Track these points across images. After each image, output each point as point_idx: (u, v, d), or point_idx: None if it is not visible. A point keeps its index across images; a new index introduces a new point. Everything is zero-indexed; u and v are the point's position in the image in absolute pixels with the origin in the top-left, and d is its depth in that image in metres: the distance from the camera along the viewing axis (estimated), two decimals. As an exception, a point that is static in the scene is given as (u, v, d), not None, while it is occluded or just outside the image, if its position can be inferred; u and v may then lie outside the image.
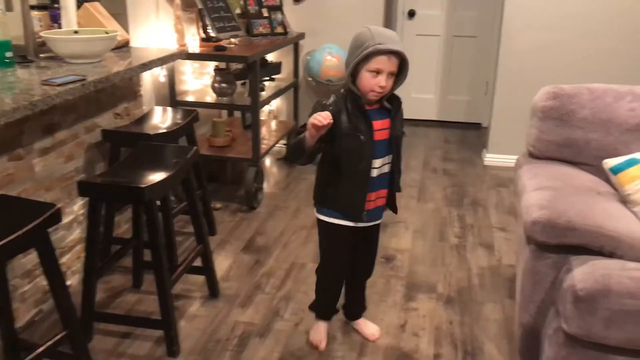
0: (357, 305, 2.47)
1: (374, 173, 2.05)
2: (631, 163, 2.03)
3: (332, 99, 1.99)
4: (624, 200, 2.04)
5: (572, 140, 2.31)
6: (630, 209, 2.01)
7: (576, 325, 1.75)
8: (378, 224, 2.25)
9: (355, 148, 1.98)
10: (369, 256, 2.33)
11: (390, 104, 2.03)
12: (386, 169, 2.09)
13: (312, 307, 2.45)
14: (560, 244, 1.89)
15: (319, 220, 2.19)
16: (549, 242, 1.90)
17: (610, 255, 1.84)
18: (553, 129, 2.32)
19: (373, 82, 1.92)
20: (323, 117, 1.82)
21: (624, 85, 2.38)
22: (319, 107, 1.96)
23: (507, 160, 4.41)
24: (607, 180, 2.15)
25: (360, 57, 1.89)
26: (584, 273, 1.76)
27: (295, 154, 2.00)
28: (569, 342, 1.83)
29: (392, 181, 2.13)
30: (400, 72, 1.96)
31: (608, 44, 4.12)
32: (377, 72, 1.90)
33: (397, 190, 2.20)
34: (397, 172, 2.14)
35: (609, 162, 2.08)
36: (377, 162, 2.04)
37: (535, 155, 2.41)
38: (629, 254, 1.82)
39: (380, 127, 2.01)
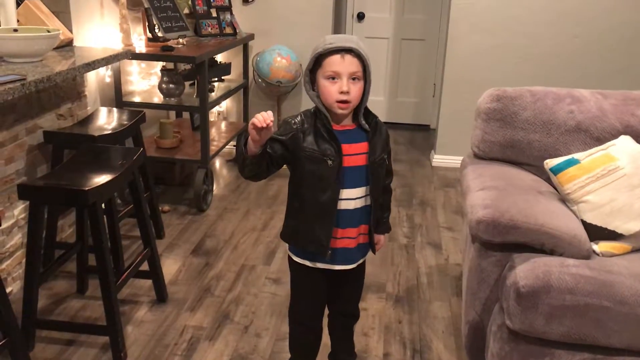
0: (343, 354, 2.14)
1: (347, 205, 1.78)
2: (570, 163, 2.10)
3: (299, 117, 1.75)
4: (564, 199, 2.11)
5: (514, 141, 2.37)
6: (570, 208, 2.08)
7: (519, 321, 1.80)
8: (360, 266, 1.94)
9: (320, 175, 1.72)
10: (347, 302, 2.03)
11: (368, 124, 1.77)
12: (363, 202, 1.81)
13: None
14: (504, 242, 1.94)
15: (288, 257, 1.93)
16: (493, 241, 1.95)
17: (551, 252, 1.90)
18: (496, 130, 2.38)
19: (333, 89, 1.67)
20: (264, 117, 1.57)
21: (563, 88, 2.46)
22: (283, 125, 1.75)
23: (454, 161, 4.50)
24: (548, 180, 2.21)
25: (311, 62, 1.70)
26: (526, 270, 1.81)
27: (238, 161, 1.72)
28: (512, 338, 1.88)
29: (369, 215, 1.83)
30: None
31: (549, 47, 4.26)
32: (334, 76, 1.67)
33: (378, 231, 1.92)
34: (376, 207, 1.84)
35: (550, 163, 2.14)
36: (349, 193, 1.76)
37: (480, 156, 2.46)
38: (568, 251, 1.88)
39: (354, 151, 1.74)
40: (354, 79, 1.68)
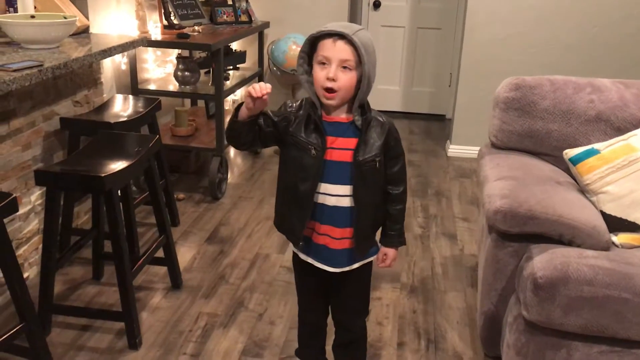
0: None
1: (324, 200, 1.70)
2: (590, 153, 2.07)
3: (299, 102, 1.70)
4: (583, 190, 2.08)
5: (533, 131, 2.34)
6: (589, 198, 2.05)
7: (536, 312, 1.79)
8: (354, 276, 1.84)
9: (302, 163, 1.67)
10: (342, 311, 1.93)
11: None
12: (345, 201, 1.70)
13: (296, 353, 2.13)
14: (521, 232, 1.92)
15: None
16: (511, 231, 1.93)
17: (569, 243, 1.88)
18: (515, 120, 2.35)
19: (321, 74, 1.58)
20: (261, 88, 1.53)
21: (583, 78, 2.42)
22: (282, 106, 1.72)
23: (470, 151, 4.47)
24: (567, 170, 2.18)
25: (305, 45, 1.62)
26: (544, 261, 1.79)
27: (228, 125, 1.68)
28: (529, 329, 1.87)
29: (353, 218, 1.71)
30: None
31: (568, 37, 4.20)
32: (325, 61, 1.58)
33: (383, 242, 1.82)
34: (361, 211, 1.70)
35: (569, 153, 2.12)
36: (329, 188, 1.68)
37: (498, 146, 2.44)
38: (587, 242, 1.86)
39: (340, 145, 1.66)
40: (344, 67, 1.57)
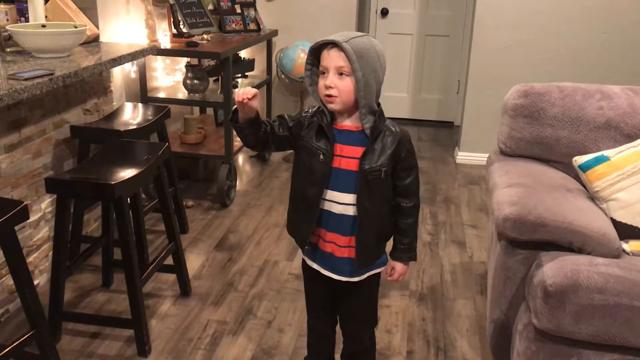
0: None
1: (330, 207, 1.71)
2: (599, 160, 2.06)
3: (315, 109, 1.72)
4: (593, 197, 2.07)
5: (542, 138, 2.34)
6: (599, 206, 2.04)
7: (546, 320, 1.78)
8: (359, 286, 1.83)
9: (311, 167, 1.68)
10: (347, 320, 1.93)
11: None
12: (351, 210, 1.70)
13: None
14: (531, 240, 1.91)
15: None
16: (520, 238, 1.92)
17: (579, 251, 1.87)
18: (524, 127, 2.35)
19: (322, 83, 1.62)
20: (244, 92, 1.56)
21: (592, 84, 2.42)
22: (298, 113, 1.74)
23: (478, 158, 4.46)
24: (577, 177, 2.18)
25: (308, 56, 1.66)
26: (554, 269, 1.78)
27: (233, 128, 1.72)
28: (539, 337, 1.86)
29: (355, 227, 1.71)
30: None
31: (576, 43, 4.19)
32: (324, 70, 1.62)
33: (392, 256, 1.82)
34: (364, 221, 1.70)
35: (578, 160, 2.11)
36: (335, 195, 1.69)
37: (507, 153, 2.43)
38: (597, 249, 1.85)
39: (347, 154, 1.67)
40: (340, 74, 1.59)
